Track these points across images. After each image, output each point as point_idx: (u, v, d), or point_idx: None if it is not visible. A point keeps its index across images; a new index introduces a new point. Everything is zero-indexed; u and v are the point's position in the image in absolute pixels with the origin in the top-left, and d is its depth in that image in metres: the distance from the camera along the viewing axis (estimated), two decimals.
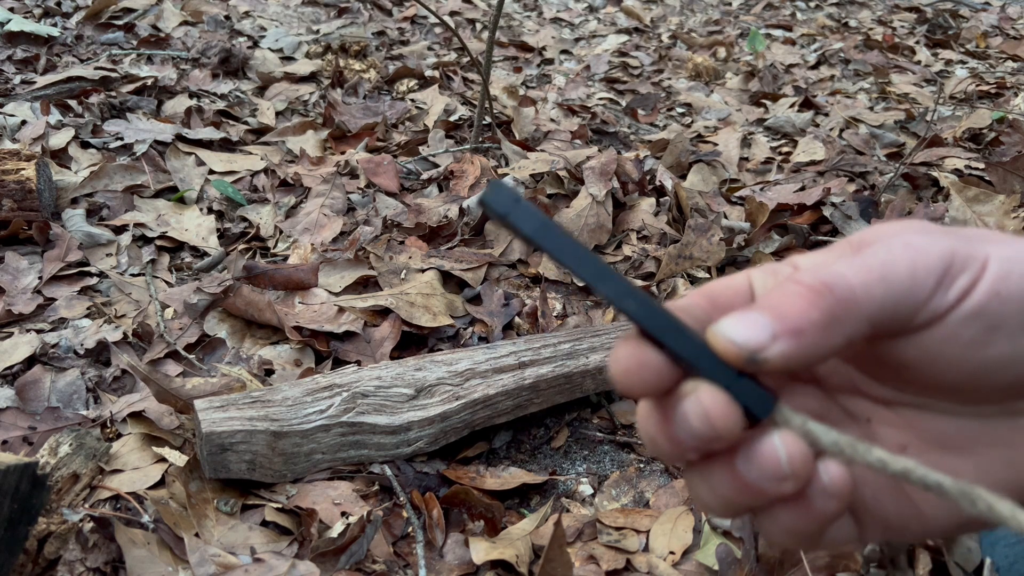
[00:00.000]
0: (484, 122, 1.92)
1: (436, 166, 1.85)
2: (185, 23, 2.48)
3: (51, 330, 1.26)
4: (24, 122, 1.78)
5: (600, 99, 2.43)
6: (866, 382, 0.39)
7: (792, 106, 2.40)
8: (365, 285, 1.43)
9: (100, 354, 1.22)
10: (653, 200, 1.72)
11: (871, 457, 0.32)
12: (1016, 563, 0.87)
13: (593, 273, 0.33)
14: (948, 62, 2.94)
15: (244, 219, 1.61)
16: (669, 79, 2.66)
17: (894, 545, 1.01)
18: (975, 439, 0.36)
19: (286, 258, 1.50)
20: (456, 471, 1.09)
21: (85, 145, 1.76)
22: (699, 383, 0.33)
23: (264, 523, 0.99)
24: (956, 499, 0.30)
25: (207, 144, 1.82)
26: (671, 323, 0.33)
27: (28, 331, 1.25)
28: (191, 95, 2.05)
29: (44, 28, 2.25)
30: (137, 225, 1.52)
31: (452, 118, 2.11)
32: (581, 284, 0.35)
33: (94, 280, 1.38)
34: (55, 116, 1.83)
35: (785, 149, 2.13)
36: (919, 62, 2.93)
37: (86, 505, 0.97)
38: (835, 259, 0.35)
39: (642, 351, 0.33)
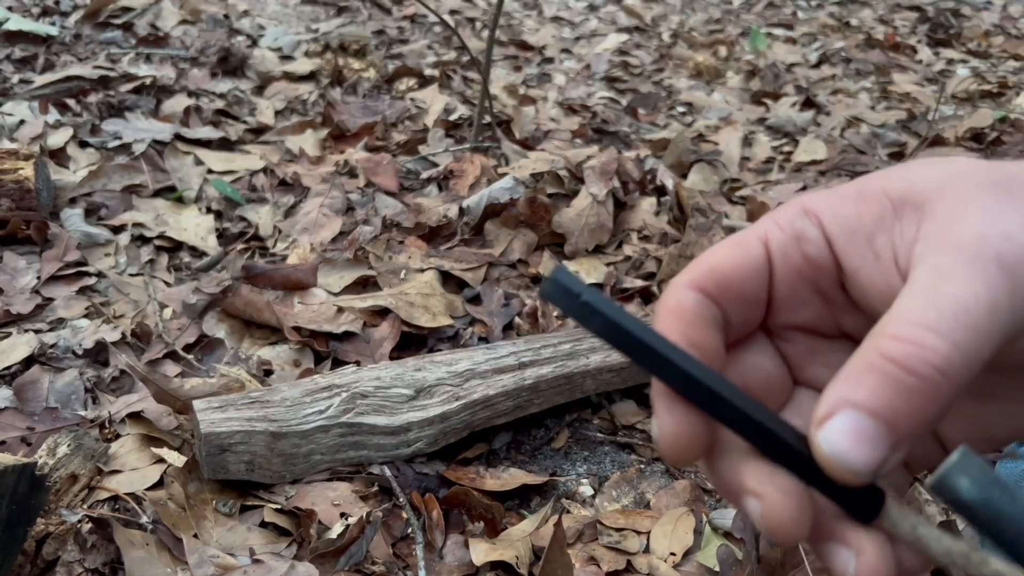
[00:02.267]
0: (484, 121, 1.91)
1: (436, 165, 1.85)
2: (184, 22, 2.47)
3: (49, 330, 1.26)
4: (22, 121, 1.78)
5: (601, 98, 2.43)
6: None
7: (793, 105, 2.40)
8: (364, 285, 1.42)
9: (98, 354, 1.22)
10: (654, 200, 1.71)
11: (987, 571, 0.27)
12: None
13: (676, 374, 0.29)
14: (950, 61, 2.93)
15: (243, 219, 1.61)
16: (670, 78, 2.66)
17: None
18: (1003, 388, 0.33)
19: (285, 258, 1.49)
20: (456, 472, 1.08)
21: (83, 144, 1.76)
22: (770, 484, 0.28)
23: (263, 524, 0.99)
24: None
25: (206, 143, 1.82)
26: (760, 419, 0.29)
27: (26, 331, 1.24)
28: (190, 94, 2.04)
29: (42, 27, 2.24)
30: (136, 225, 1.52)
31: (452, 117, 2.11)
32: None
33: (92, 280, 1.38)
34: (53, 115, 1.82)
35: (786, 148, 2.13)
36: (921, 61, 2.92)
37: (84, 506, 0.97)
38: (880, 232, 0.30)
39: (689, 429, 0.29)
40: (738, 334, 0.33)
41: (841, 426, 0.27)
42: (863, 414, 0.27)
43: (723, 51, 2.92)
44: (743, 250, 0.32)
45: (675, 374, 0.29)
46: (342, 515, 0.99)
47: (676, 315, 0.31)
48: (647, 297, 1.46)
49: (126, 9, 2.46)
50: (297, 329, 1.28)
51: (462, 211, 1.60)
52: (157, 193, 1.64)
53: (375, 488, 1.05)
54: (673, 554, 0.99)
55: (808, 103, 2.41)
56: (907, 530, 0.29)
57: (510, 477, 1.09)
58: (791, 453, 0.29)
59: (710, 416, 0.29)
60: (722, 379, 0.30)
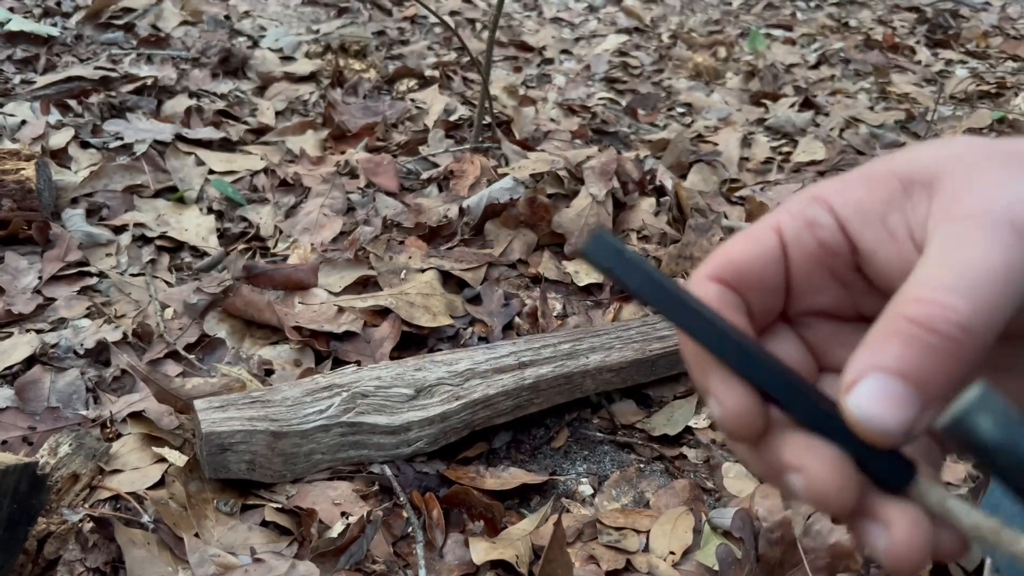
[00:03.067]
0: (484, 122, 1.91)
1: (436, 166, 1.85)
2: (185, 23, 2.48)
3: (51, 330, 1.26)
4: (24, 122, 1.78)
5: (600, 99, 2.43)
6: None
7: (792, 106, 2.40)
8: (365, 285, 1.43)
9: (100, 354, 1.22)
10: (653, 200, 1.71)
11: (1018, 548, 0.26)
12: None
13: (707, 330, 0.29)
14: (948, 62, 2.93)
15: (244, 219, 1.61)
16: (669, 79, 2.66)
17: None
18: (1021, 359, 0.33)
19: (286, 258, 1.50)
20: (456, 471, 1.08)
21: (85, 145, 1.76)
22: (809, 455, 0.28)
23: (264, 523, 0.99)
24: None
25: (207, 144, 1.82)
26: (793, 384, 0.29)
27: (28, 331, 1.24)
28: (191, 95, 2.05)
29: (44, 28, 2.25)
30: (137, 225, 1.52)
31: (452, 118, 2.11)
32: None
33: (94, 280, 1.38)
34: (55, 116, 1.83)
35: (785, 149, 2.13)
36: (919, 62, 2.93)
37: (86, 505, 0.97)
38: (892, 211, 0.30)
39: (751, 403, 0.29)
40: (760, 324, 0.34)
41: (869, 390, 0.27)
42: (890, 376, 0.27)
43: (722, 52, 2.92)
44: (757, 240, 0.33)
45: (722, 339, 0.29)
46: (343, 514, 0.99)
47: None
48: None
49: (127, 10, 2.46)
50: (298, 329, 1.28)
51: (462, 211, 1.61)
52: (158, 193, 1.64)
53: (376, 487, 1.05)
54: (672, 553, 1.00)
55: (807, 104, 2.41)
56: (936, 502, 0.28)
57: (510, 476, 1.09)
58: (828, 420, 0.29)
59: (757, 385, 0.29)
60: (762, 347, 0.30)
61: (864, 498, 0.29)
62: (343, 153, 1.88)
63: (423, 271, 1.44)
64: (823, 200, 0.32)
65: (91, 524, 0.93)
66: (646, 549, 1.01)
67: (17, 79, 2.01)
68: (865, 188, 0.32)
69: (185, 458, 1.02)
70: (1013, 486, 0.25)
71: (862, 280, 0.33)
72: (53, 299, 1.32)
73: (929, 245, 0.29)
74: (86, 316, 1.30)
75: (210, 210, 1.62)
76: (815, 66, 2.86)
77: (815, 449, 0.29)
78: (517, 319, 1.37)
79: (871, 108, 2.42)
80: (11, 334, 1.24)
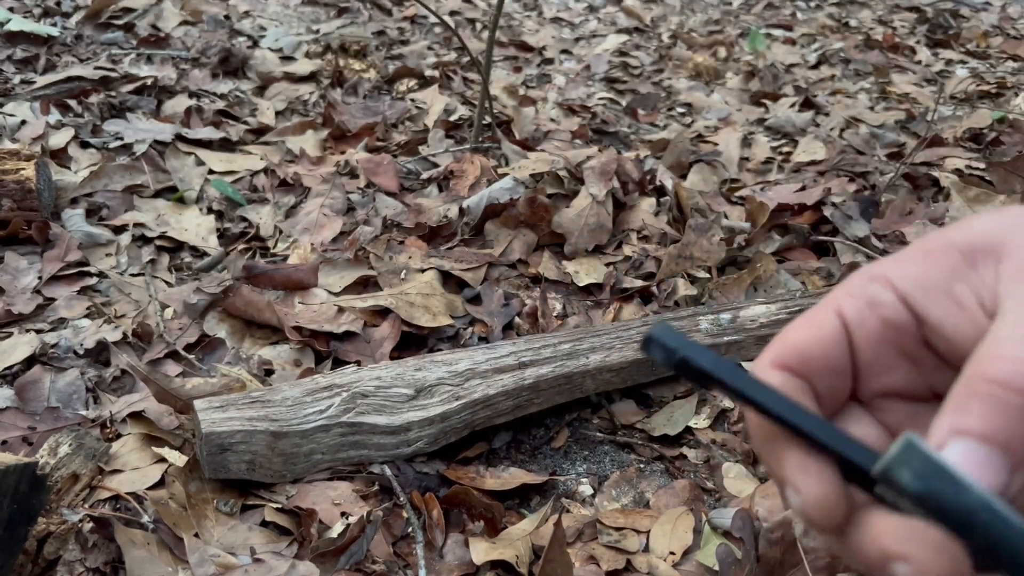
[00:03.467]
0: (484, 122, 1.91)
1: (436, 166, 1.85)
2: (185, 23, 2.48)
3: (51, 330, 1.26)
4: (24, 122, 1.78)
5: (600, 99, 2.43)
6: None
7: (792, 106, 2.40)
8: (365, 285, 1.43)
9: (100, 354, 1.22)
10: (653, 200, 1.71)
11: None
12: None
13: (782, 406, 0.29)
14: (949, 62, 2.93)
15: (244, 219, 1.61)
16: (669, 79, 2.66)
17: None
18: None
19: (286, 258, 1.50)
20: (456, 471, 1.08)
21: (85, 145, 1.76)
22: (912, 540, 0.26)
23: (264, 523, 0.99)
24: None
25: (207, 144, 1.82)
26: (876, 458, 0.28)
27: (28, 331, 1.24)
28: (191, 95, 2.05)
29: (44, 28, 2.25)
30: (137, 225, 1.52)
31: (452, 118, 2.11)
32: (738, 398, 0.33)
33: (94, 280, 1.38)
34: (55, 116, 1.83)
35: (785, 149, 2.13)
36: (920, 62, 2.93)
37: (86, 505, 0.97)
38: (957, 282, 0.30)
39: (833, 485, 0.28)
40: (829, 408, 0.33)
41: (954, 457, 0.26)
42: (975, 441, 0.26)
43: (722, 52, 2.92)
44: (818, 323, 0.32)
45: (798, 414, 0.28)
46: (343, 514, 0.99)
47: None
48: (646, 297, 1.47)
49: (127, 10, 2.46)
50: (298, 329, 1.28)
51: (462, 211, 1.61)
52: (158, 193, 1.64)
53: (376, 487, 1.05)
54: (672, 553, 1.00)
55: (807, 103, 2.41)
56: None
57: (510, 476, 1.09)
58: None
59: (843, 456, 0.28)
60: (835, 424, 0.30)
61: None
62: (343, 153, 1.88)
63: (423, 271, 1.44)
64: (881, 278, 0.32)
65: (91, 524, 0.93)
66: (646, 549, 1.01)
67: (17, 79, 2.01)
68: (923, 263, 0.31)
69: (185, 458, 1.02)
70: (938, 526, 0.26)
71: (932, 356, 0.33)
72: (53, 299, 1.32)
73: (1003, 307, 0.29)
74: (86, 316, 1.30)
75: (210, 210, 1.62)
76: (815, 66, 2.86)
77: (917, 532, 0.27)
78: (517, 319, 1.37)
79: (871, 108, 2.42)
80: (11, 334, 1.24)
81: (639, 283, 1.49)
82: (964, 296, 0.30)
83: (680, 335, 0.30)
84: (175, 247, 1.51)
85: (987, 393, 0.27)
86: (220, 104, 2.04)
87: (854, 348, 0.32)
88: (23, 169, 1.45)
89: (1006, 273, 0.30)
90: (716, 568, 0.96)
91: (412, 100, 2.19)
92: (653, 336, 0.30)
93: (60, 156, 1.70)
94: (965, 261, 0.31)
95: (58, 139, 1.73)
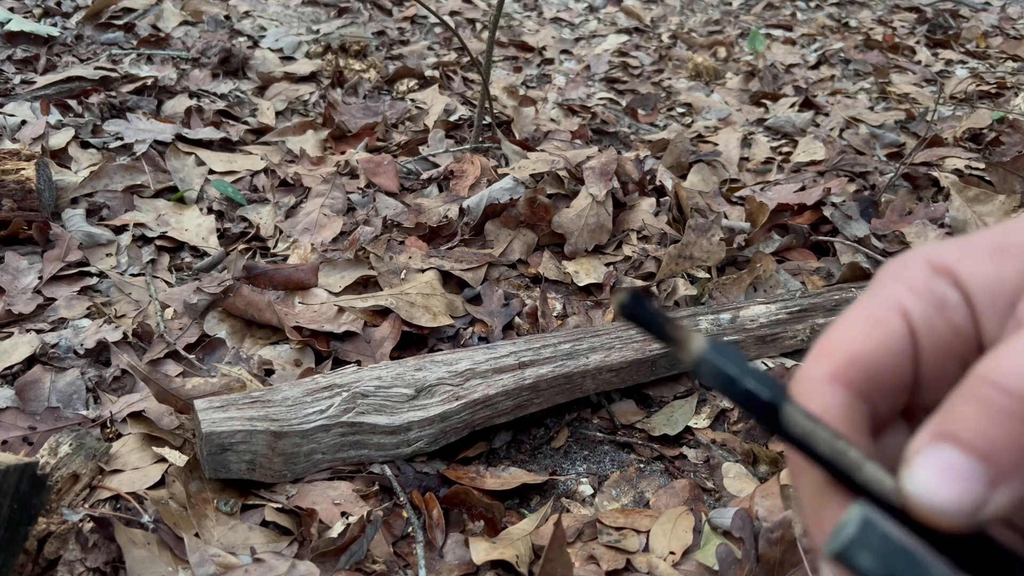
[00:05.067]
0: (484, 122, 1.92)
1: (436, 166, 1.85)
2: (185, 23, 2.48)
3: (51, 330, 1.26)
4: (24, 122, 1.78)
5: (600, 99, 2.43)
6: None
7: (792, 106, 2.40)
8: (365, 285, 1.43)
9: (100, 354, 1.22)
10: (653, 200, 1.71)
11: None
12: None
13: (831, 447, 0.24)
14: (948, 62, 2.93)
15: (244, 219, 1.61)
16: (669, 79, 2.66)
17: None
18: None
19: (286, 258, 1.50)
20: (456, 471, 1.08)
21: (85, 145, 1.76)
22: None
23: (264, 523, 0.99)
24: None
25: (207, 144, 1.82)
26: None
27: (28, 331, 1.25)
28: (191, 95, 2.05)
29: (44, 28, 2.25)
30: (137, 225, 1.52)
31: (452, 118, 2.11)
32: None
33: (94, 280, 1.38)
34: (55, 116, 1.83)
35: (785, 149, 2.13)
36: (919, 62, 2.93)
37: (86, 505, 0.97)
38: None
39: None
40: (879, 427, 0.28)
41: (927, 461, 0.23)
42: (953, 445, 0.23)
43: (722, 52, 2.92)
44: (884, 328, 0.26)
45: (847, 460, 0.24)
46: (343, 514, 0.99)
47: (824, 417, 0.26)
48: None
49: (127, 10, 2.46)
50: (298, 329, 1.28)
51: (462, 211, 1.61)
52: (158, 193, 1.64)
53: (376, 487, 1.05)
54: (672, 553, 1.00)
55: (807, 104, 2.41)
56: None
57: (510, 476, 1.09)
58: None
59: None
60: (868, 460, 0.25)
61: None
62: (343, 153, 1.88)
63: (423, 271, 1.44)
64: (948, 272, 0.26)
65: (91, 524, 0.93)
66: (646, 549, 1.01)
67: (17, 79, 2.01)
68: (996, 262, 0.26)
69: (185, 458, 1.02)
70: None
71: None
72: (53, 299, 1.32)
73: None
74: (86, 316, 1.30)
75: (210, 210, 1.62)
76: (815, 66, 2.86)
77: None
78: (517, 319, 1.37)
79: (871, 108, 2.43)
80: (11, 334, 1.24)
81: (639, 283, 1.49)
82: None
83: (738, 353, 0.25)
84: (175, 247, 1.51)
85: (975, 393, 0.23)
86: (220, 104, 2.04)
87: (919, 359, 0.27)
88: (23, 169, 1.45)
89: None
90: (716, 568, 0.96)
91: (412, 100, 2.19)
92: (709, 358, 0.25)
93: (60, 156, 1.70)
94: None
95: (58, 139, 1.73)
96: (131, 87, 2.02)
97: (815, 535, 0.26)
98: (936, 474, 0.23)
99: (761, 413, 0.24)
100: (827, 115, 2.33)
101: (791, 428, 0.24)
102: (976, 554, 0.24)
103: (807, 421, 0.24)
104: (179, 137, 1.80)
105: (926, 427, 0.24)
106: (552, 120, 2.22)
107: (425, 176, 1.79)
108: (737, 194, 1.81)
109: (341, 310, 1.32)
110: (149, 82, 2.04)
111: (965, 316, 0.26)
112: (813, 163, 2.00)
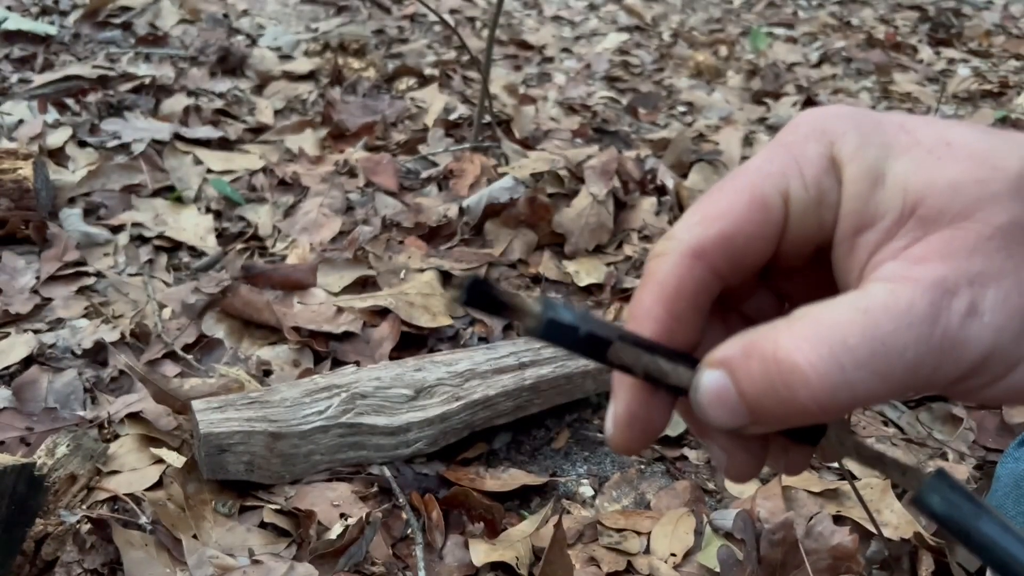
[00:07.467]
0: (484, 121, 1.91)
1: (435, 165, 1.84)
2: (183, 21, 2.47)
3: (48, 330, 1.26)
4: (21, 121, 1.77)
5: (601, 97, 2.43)
6: None
7: (794, 105, 2.39)
8: (364, 285, 1.42)
9: (97, 354, 1.22)
10: (654, 199, 1.71)
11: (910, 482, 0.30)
12: None
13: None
14: (951, 61, 2.93)
15: (242, 218, 1.61)
16: (670, 77, 2.65)
17: (896, 545, 1.00)
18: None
19: (284, 258, 1.49)
20: (456, 472, 1.08)
21: (82, 144, 1.75)
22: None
23: (262, 525, 0.99)
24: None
25: (205, 143, 1.81)
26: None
27: (25, 331, 1.24)
28: (189, 94, 2.04)
29: (41, 26, 2.24)
30: (135, 224, 1.51)
31: (452, 117, 2.10)
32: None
33: (91, 280, 1.38)
34: (52, 115, 1.82)
35: None
36: (921, 61, 2.92)
37: (83, 506, 0.96)
38: (874, 226, 0.26)
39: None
40: (727, 292, 0.30)
41: (712, 381, 0.27)
42: (733, 385, 0.27)
43: (724, 50, 2.91)
44: (762, 210, 0.28)
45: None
46: (342, 516, 0.99)
47: (672, 294, 0.29)
48: None
49: (125, 8, 2.46)
50: (296, 329, 1.27)
51: (462, 211, 1.60)
52: (156, 193, 1.63)
53: (375, 489, 1.05)
54: (674, 555, 0.99)
55: (809, 102, 2.41)
56: (847, 450, 0.31)
57: (510, 477, 1.08)
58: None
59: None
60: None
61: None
62: (342, 152, 1.88)
63: (423, 271, 1.43)
64: (838, 165, 0.27)
65: (89, 525, 0.92)
66: (647, 551, 1.00)
67: (14, 78, 2.00)
68: (874, 185, 0.27)
69: (183, 459, 1.02)
70: (965, 546, 0.29)
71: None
72: (50, 299, 1.32)
73: (869, 288, 0.26)
74: (84, 316, 1.29)
75: (208, 209, 1.61)
76: (817, 65, 2.86)
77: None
78: None
79: (873, 107, 2.42)
80: (8, 334, 1.23)
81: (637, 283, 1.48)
82: (863, 245, 0.27)
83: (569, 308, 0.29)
84: (173, 247, 1.50)
85: (767, 359, 0.25)
86: (218, 103, 2.03)
87: (783, 241, 0.28)
88: (20, 168, 1.44)
89: (908, 253, 0.26)
90: (717, 570, 0.96)
91: (411, 99, 2.19)
92: (555, 318, 0.28)
93: (58, 155, 1.69)
94: (900, 215, 0.26)
95: (56, 138, 1.73)
96: (129, 86, 2.01)
97: (628, 421, 0.31)
98: (714, 397, 0.27)
99: (598, 351, 0.29)
100: None
101: (617, 359, 0.29)
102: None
103: (632, 350, 0.29)
104: (177, 136, 1.79)
105: (730, 343, 0.27)
106: (552, 119, 2.21)
107: (425, 175, 1.79)
108: None
109: (340, 310, 1.32)
110: (147, 81, 2.03)
111: (835, 213, 0.28)
112: None
